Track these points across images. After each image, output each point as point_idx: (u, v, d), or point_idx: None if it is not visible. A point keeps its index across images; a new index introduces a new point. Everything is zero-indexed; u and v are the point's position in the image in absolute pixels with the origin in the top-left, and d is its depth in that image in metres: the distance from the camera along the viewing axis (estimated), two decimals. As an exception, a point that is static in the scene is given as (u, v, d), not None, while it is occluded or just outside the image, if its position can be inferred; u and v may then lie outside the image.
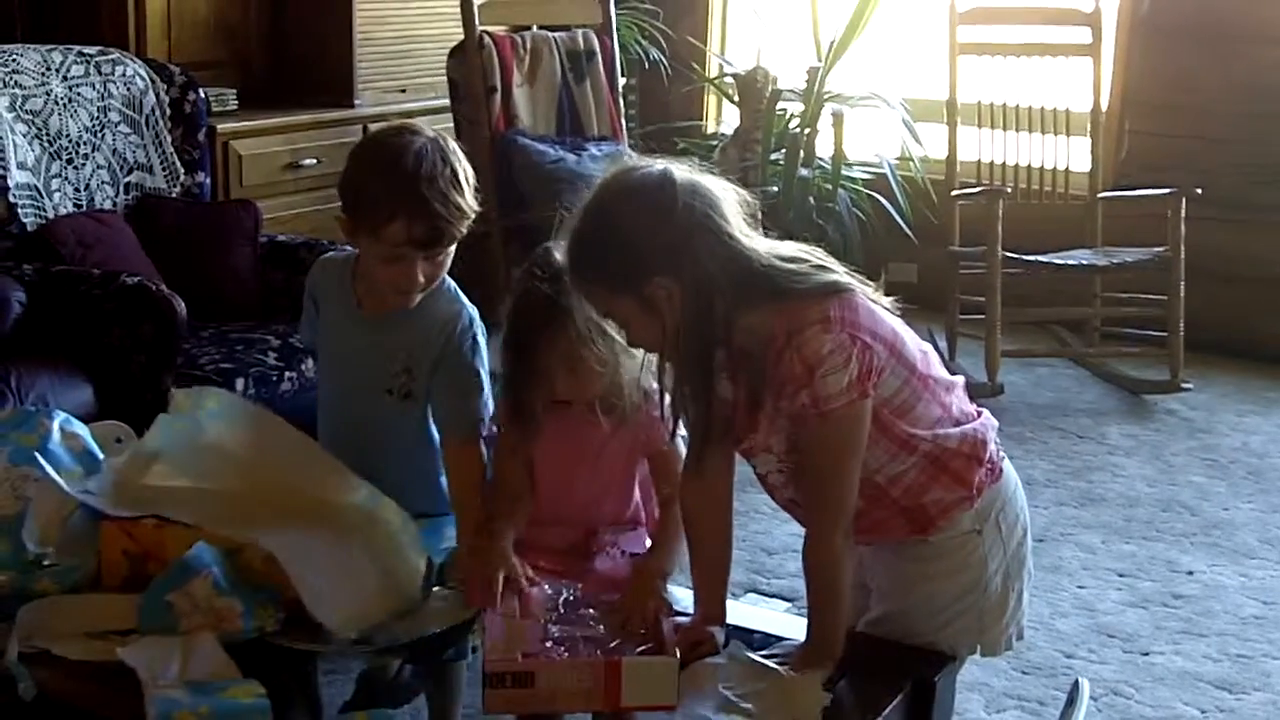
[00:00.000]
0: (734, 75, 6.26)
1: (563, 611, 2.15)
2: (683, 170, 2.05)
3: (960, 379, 2.26)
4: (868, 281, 2.12)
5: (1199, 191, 5.27)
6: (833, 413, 2.01)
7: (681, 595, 2.32)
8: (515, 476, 2.40)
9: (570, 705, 2.07)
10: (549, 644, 2.06)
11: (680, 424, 2.14)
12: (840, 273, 2.09)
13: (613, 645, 2.08)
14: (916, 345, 2.15)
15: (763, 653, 2.11)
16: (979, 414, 2.24)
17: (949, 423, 2.17)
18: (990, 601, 2.23)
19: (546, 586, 2.20)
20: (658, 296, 2.01)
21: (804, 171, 5.82)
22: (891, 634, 2.23)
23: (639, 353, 2.22)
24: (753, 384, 2.08)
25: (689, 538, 2.27)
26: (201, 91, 4.55)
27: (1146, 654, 3.51)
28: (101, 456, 2.40)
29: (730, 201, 2.05)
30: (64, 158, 4.13)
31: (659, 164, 2.06)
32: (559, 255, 2.12)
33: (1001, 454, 2.25)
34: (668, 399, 2.11)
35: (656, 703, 2.00)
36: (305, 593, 2.15)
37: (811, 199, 5.81)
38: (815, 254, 2.11)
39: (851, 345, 2.01)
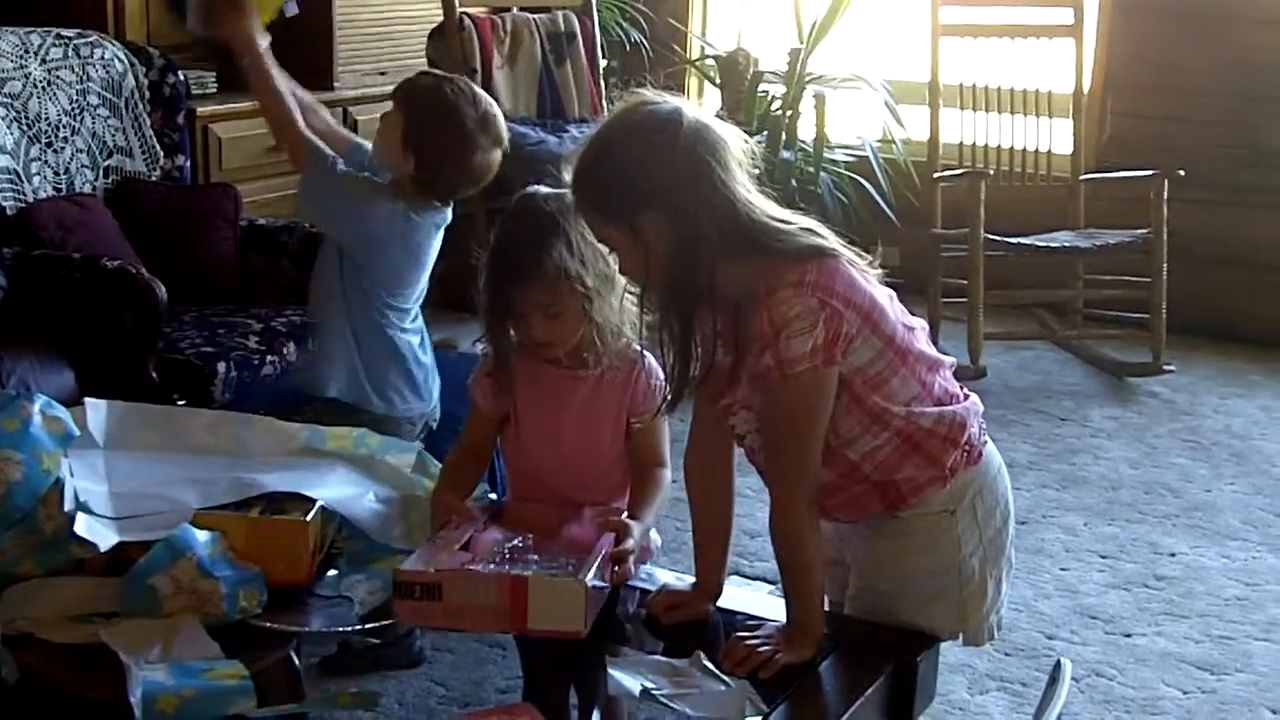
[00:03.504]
0: (715, 57, 6.26)
1: (507, 555, 2.13)
2: (693, 111, 2.05)
3: (949, 359, 2.24)
4: (862, 253, 2.11)
5: (1181, 173, 5.28)
6: (795, 376, 2.01)
7: (662, 576, 2.31)
8: (482, 445, 2.45)
9: (478, 622, 2.06)
10: (477, 568, 2.03)
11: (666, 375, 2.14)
12: (828, 239, 2.09)
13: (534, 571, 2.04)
14: (900, 319, 2.13)
15: (746, 633, 2.10)
16: (965, 396, 2.22)
17: (927, 401, 2.14)
18: (970, 588, 2.21)
19: (498, 534, 2.17)
20: (646, 230, 2.02)
21: (786, 154, 5.81)
22: (872, 612, 2.22)
23: (617, 299, 2.27)
24: (735, 336, 2.08)
25: (692, 510, 2.27)
26: (181, 74, 4.53)
27: (1128, 635, 3.53)
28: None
29: (734, 150, 2.05)
30: (43, 141, 4.11)
31: (672, 102, 2.06)
32: (567, 175, 2.13)
33: (984, 439, 2.22)
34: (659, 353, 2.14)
35: (564, 627, 1.96)
36: (363, 523, 2.31)
37: (793, 181, 5.80)
38: (806, 221, 2.11)
39: (820, 310, 2.00)
